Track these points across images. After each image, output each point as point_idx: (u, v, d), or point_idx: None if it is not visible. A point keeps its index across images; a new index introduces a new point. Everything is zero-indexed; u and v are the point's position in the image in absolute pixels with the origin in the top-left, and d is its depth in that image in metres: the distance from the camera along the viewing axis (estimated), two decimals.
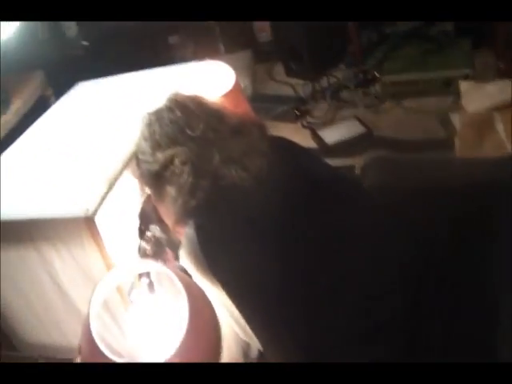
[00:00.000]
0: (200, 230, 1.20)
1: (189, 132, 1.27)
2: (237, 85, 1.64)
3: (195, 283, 1.18)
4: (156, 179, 1.31)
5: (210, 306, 1.12)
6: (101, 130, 1.73)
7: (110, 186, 1.44)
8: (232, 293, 1.16)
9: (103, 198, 1.41)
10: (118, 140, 1.60)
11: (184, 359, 0.92)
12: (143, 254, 1.58)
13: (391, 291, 1.14)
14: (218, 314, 1.17)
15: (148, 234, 1.59)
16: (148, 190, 1.45)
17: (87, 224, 1.37)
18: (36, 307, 1.70)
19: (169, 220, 1.35)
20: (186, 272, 1.23)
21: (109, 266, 1.43)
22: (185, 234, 1.25)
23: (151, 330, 1.24)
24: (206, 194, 1.22)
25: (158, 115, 1.34)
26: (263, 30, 2.64)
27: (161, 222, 1.51)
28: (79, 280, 1.51)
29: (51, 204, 1.46)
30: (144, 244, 1.58)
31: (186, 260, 1.24)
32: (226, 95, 1.57)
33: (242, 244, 1.18)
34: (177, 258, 1.56)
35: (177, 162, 1.24)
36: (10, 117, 2.05)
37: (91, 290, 1.49)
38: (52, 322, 1.71)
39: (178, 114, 1.31)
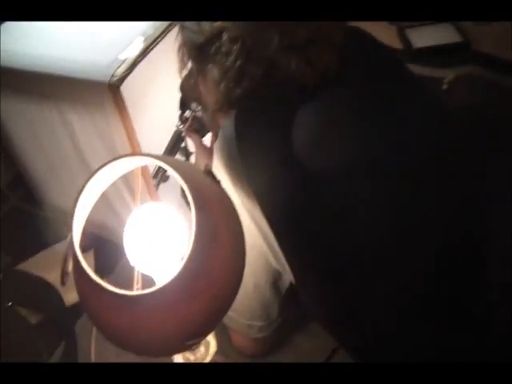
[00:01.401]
0: (240, 125, 1.03)
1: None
2: None
3: (217, 190, 0.98)
4: (199, 53, 1.09)
5: (232, 220, 0.89)
6: None
7: (145, 51, 1.27)
8: (270, 215, 0.99)
9: (134, 65, 1.24)
10: None
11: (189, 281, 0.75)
12: (179, 132, 1.43)
13: None
14: (244, 231, 0.92)
15: (187, 112, 1.43)
16: (189, 63, 1.26)
17: (112, 91, 1.21)
18: (58, 170, 1.61)
19: (210, 104, 1.15)
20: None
21: (133, 142, 1.29)
22: (222, 126, 1.08)
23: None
24: (255, 84, 1.02)
25: None
26: None
27: (202, 101, 1.35)
28: (101, 150, 1.38)
29: (76, 61, 1.30)
30: (180, 122, 1.43)
31: (217, 158, 1.09)
32: None
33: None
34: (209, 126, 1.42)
35: (225, 37, 1.01)
36: None
37: None
38: (73, 187, 1.62)
39: None
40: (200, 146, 1.40)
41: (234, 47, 1.02)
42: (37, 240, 1.79)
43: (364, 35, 1.15)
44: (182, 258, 0.71)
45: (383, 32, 1.84)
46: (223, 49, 1.03)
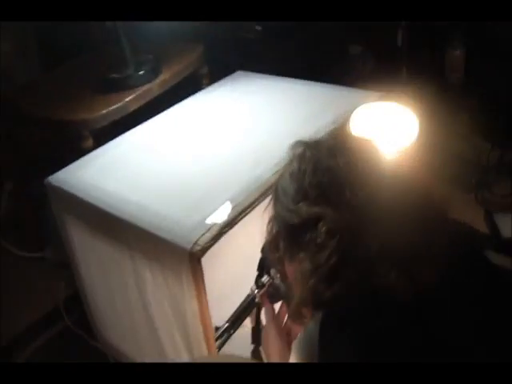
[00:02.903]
0: (326, 336, 0.88)
1: (348, 194, 0.91)
2: (420, 140, 1.28)
3: None
4: (291, 235, 0.97)
5: None
6: (245, 140, 1.46)
7: (233, 221, 1.16)
8: None
9: (220, 235, 1.13)
10: (262, 160, 1.32)
11: None
12: (253, 296, 1.29)
13: None
14: None
15: (265, 277, 1.29)
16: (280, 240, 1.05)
17: (191, 261, 1.09)
18: (119, 311, 1.49)
19: (294, 295, 0.99)
20: None
21: (204, 316, 1.16)
22: (306, 327, 0.94)
23: None
24: (348, 290, 0.89)
25: (314, 153, 0.98)
26: (456, 69, 2.24)
27: (283, 274, 1.21)
28: (168, 310, 1.25)
29: (158, 214, 1.20)
30: (256, 287, 1.29)
31: (295, 358, 0.94)
32: (404, 152, 1.23)
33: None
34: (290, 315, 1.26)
35: (321, 228, 0.89)
36: (155, 87, 1.83)
37: (177, 326, 1.26)
38: (131, 332, 1.49)
39: (341, 163, 0.97)
40: (272, 319, 1.26)
41: (331, 242, 0.89)
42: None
43: (466, 245, 1.01)
44: None
45: (470, 207, 1.71)
46: (318, 240, 0.90)
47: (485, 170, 1.86)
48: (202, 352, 1.19)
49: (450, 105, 2.08)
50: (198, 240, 1.10)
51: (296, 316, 1.06)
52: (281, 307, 1.29)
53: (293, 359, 0.95)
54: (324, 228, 0.90)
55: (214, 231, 1.12)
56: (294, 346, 0.96)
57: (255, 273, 1.29)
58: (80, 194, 1.34)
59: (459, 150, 1.92)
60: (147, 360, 1.46)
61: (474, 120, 1.96)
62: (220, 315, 1.28)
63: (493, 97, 1.94)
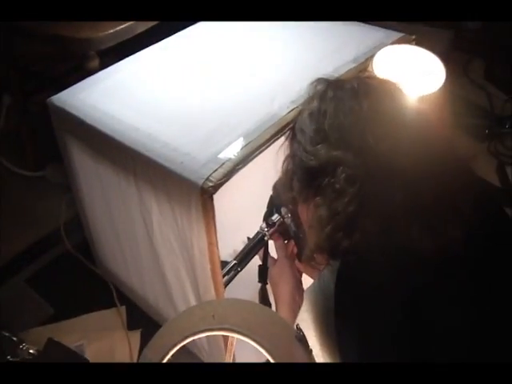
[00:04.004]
0: (343, 285, 0.82)
1: (371, 139, 0.82)
2: (445, 89, 1.19)
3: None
4: (306, 176, 0.90)
5: None
6: (260, 73, 1.34)
7: (247, 158, 1.07)
8: None
9: (233, 172, 1.04)
10: (278, 96, 1.21)
11: None
12: (262, 234, 1.23)
13: None
14: None
15: (275, 216, 1.22)
16: (295, 180, 0.98)
17: (203, 198, 1.01)
18: (122, 240, 1.42)
19: (309, 241, 0.93)
20: None
21: (212, 252, 1.09)
22: (321, 276, 0.88)
23: None
24: (367, 242, 0.81)
25: (336, 93, 0.89)
26: None
27: (294, 214, 1.14)
28: (174, 244, 1.19)
29: (167, 146, 1.10)
30: (266, 225, 1.23)
31: (307, 303, 0.89)
32: (428, 99, 1.14)
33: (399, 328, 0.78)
34: (299, 257, 1.22)
35: (341, 174, 0.82)
36: None
37: (183, 261, 1.20)
38: (134, 263, 1.44)
39: (365, 106, 0.87)
40: (285, 256, 1.21)
41: (350, 189, 0.82)
42: (84, 294, 1.60)
43: (491, 202, 0.94)
44: None
45: (482, 158, 1.64)
46: (336, 186, 0.83)
47: (498, 121, 1.76)
48: (207, 289, 1.13)
49: (464, 51, 1.97)
50: (210, 176, 1.02)
51: (309, 260, 1.01)
52: (288, 246, 1.25)
53: (305, 309, 0.90)
54: (343, 174, 0.82)
55: (227, 167, 1.03)
56: (307, 294, 0.90)
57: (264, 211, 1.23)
58: (84, 117, 1.24)
59: (473, 98, 1.82)
60: (149, 292, 1.41)
61: (489, 69, 1.84)
62: (227, 252, 1.22)
63: (510, 46, 1.81)
